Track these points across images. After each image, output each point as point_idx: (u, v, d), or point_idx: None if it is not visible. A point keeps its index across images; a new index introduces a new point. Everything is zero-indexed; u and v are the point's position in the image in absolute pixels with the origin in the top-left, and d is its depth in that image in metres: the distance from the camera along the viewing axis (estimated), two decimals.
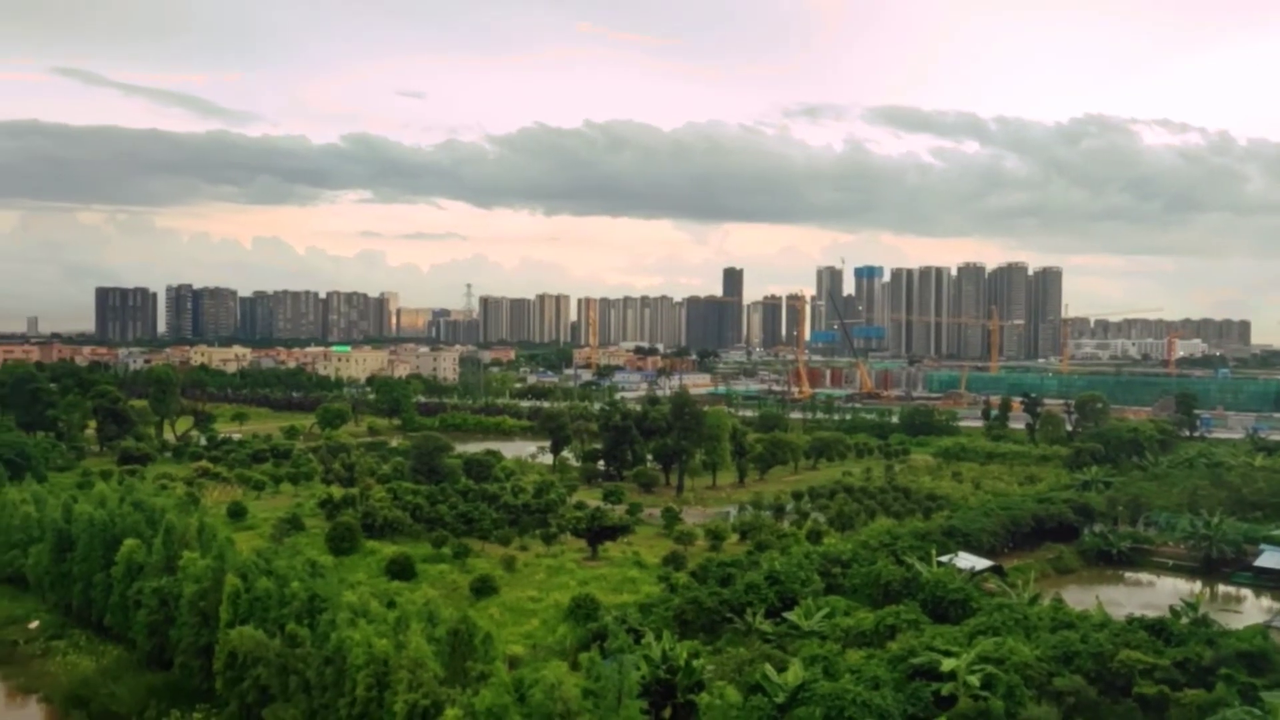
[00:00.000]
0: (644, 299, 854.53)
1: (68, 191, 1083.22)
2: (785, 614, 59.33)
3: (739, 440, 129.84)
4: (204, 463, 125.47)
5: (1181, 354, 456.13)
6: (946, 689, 44.37)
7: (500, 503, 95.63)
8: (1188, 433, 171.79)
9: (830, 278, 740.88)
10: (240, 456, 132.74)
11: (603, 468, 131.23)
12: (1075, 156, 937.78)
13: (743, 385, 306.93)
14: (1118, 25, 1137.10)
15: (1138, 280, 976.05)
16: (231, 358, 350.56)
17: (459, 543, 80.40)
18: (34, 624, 66.18)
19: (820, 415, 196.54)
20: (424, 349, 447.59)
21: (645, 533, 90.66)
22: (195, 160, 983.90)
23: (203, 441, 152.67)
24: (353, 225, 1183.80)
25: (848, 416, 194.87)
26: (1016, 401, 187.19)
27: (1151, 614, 58.33)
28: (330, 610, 45.20)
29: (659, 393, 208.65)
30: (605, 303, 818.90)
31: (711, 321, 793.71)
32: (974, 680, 44.35)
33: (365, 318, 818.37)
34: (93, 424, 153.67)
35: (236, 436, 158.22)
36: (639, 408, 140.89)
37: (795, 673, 44.29)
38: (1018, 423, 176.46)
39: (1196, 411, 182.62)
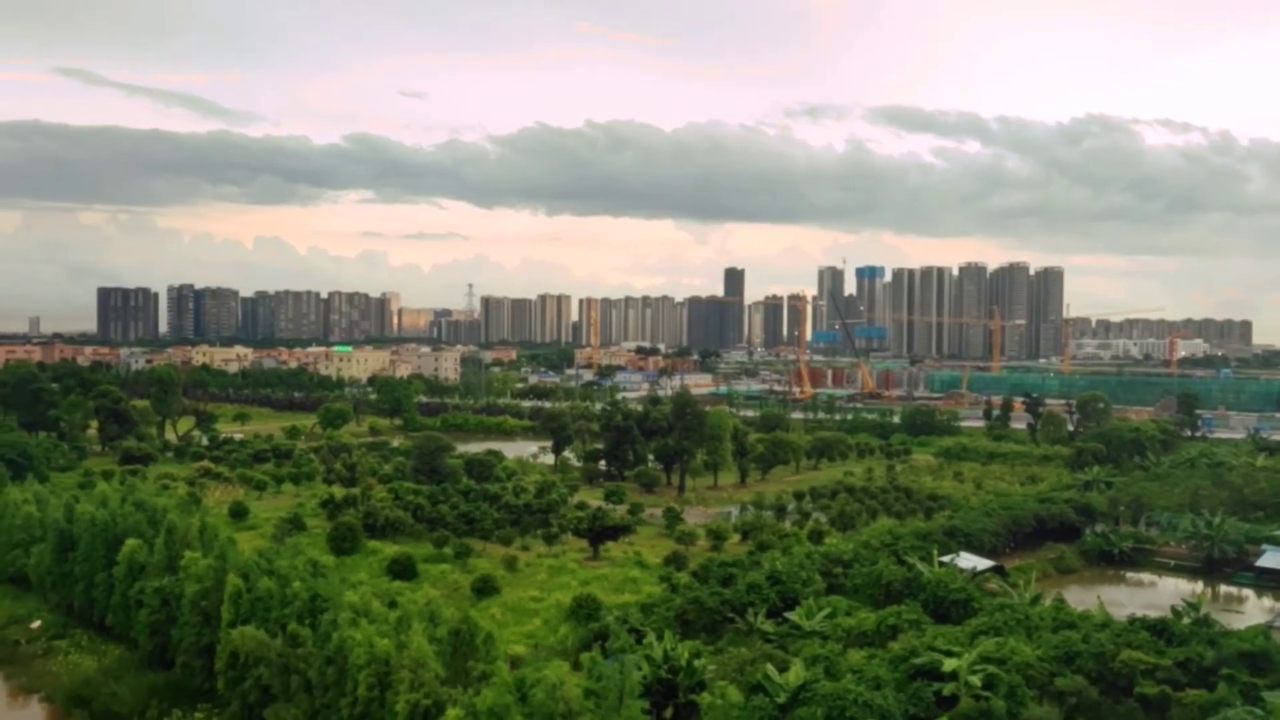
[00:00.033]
0: (645, 299, 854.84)
1: (69, 192, 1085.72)
2: (787, 614, 59.35)
3: (740, 440, 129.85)
4: (206, 463, 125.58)
5: (1183, 354, 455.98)
6: (948, 689, 44.37)
7: (502, 503, 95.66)
8: (1189, 433, 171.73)
9: (832, 278, 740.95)
10: (242, 456, 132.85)
11: (604, 468, 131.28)
12: (1077, 156, 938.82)
13: (744, 385, 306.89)
14: (1119, 25, 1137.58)
15: (1139, 280, 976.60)
16: (233, 358, 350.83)
17: (460, 543, 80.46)
18: (36, 624, 66.24)
19: (822, 415, 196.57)
20: (425, 349, 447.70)
21: (647, 533, 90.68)
22: (197, 160, 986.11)
23: (204, 441, 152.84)
24: (354, 225, 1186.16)
25: (849, 416, 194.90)
26: (1018, 401, 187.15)
27: (1153, 614, 58.31)
28: (332, 610, 45.24)
29: (660, 393, 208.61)
30: (607, 303, 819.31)
31: (713, 321, 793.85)
32: (975, 680, 44.34)
33: (367, 318, 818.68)
34: (94, 424, 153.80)
35: (238, 436, 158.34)
36: (640, 408, 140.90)
37: (797, 673, 44.31)
38: (1019, 423, 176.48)
39: (1198, 411, 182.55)
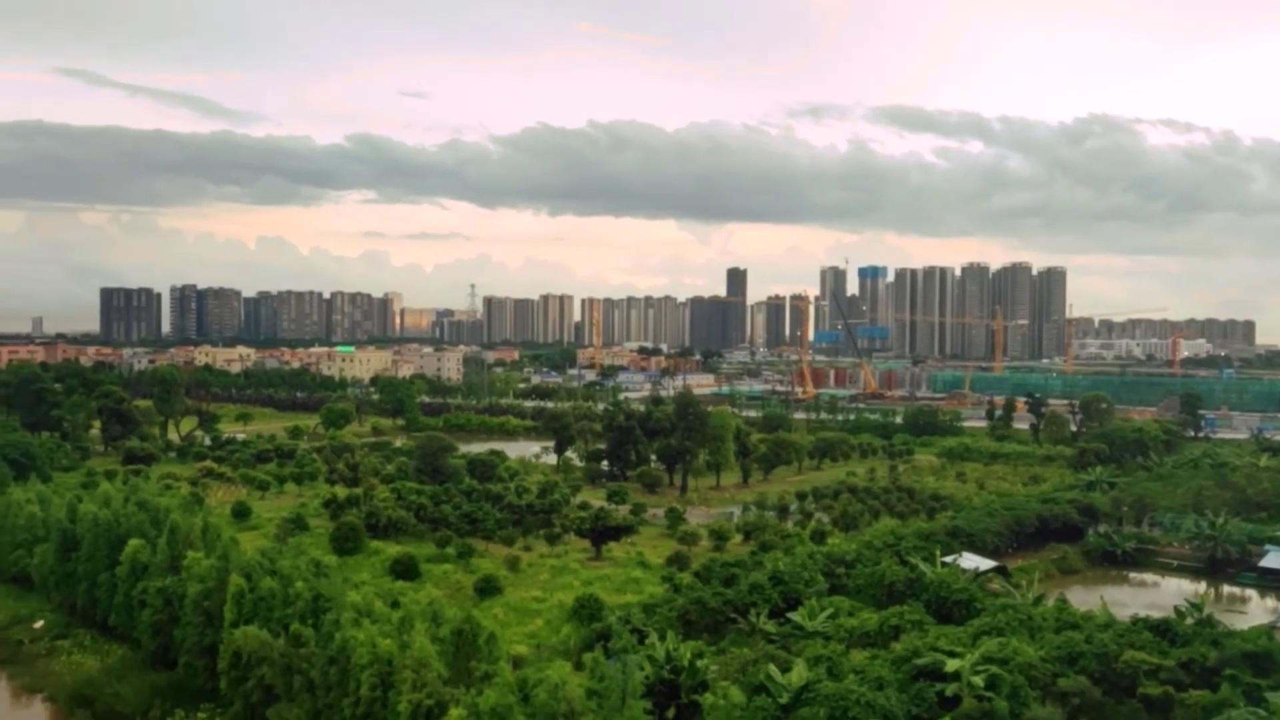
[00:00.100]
0: (648, 299, 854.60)
1: (72, 192, 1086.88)
2: (789, 614, 59.34)
3: (743, 440, 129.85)
4: (208, 463, 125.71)
5: (1186, 354, 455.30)
6: (951, 690, 44.35)
7: (504, 503, 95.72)
8: (1192, 433, 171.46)
9: (834, 278, 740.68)
10: (244, 456, 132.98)
11: (606, 468, 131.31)
12: (1079, 156, 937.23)
13: (746, 385, 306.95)
14: (1122, 24, 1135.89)
15: (1142, 280, 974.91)
16: (236, 358, 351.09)
17: (463, 543, 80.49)
18: (39, 624, 66.35)
19: (824, 415, 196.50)
20: (428, 349, 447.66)
21: (649, 533, 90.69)
22: (199, 160, 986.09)
23: (207, 441, 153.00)
24: (357, 225, 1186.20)
25: (851, 417, 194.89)
26: (1021, 402, 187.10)
27: (1156, 615, 58.27)
28: (334, 610, 45.28)
29: (663, 393, 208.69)
30: (609, 303, 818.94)
31: (715, 322, 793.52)
32: (978, 681, 44.31)
33: (369, 318, 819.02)
34: (97, 424, 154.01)
35: (241, 436, 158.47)
36: (643, 408, 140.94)
37: (799, 673, 44.30)
38: (1022, 423, 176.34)
39: (1201, 412, 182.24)
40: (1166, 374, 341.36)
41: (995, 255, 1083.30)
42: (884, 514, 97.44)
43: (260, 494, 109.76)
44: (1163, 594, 77.30)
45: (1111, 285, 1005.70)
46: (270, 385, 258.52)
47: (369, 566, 76.04)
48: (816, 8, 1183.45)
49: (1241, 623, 62.03)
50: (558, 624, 61.56)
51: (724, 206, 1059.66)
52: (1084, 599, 69.20)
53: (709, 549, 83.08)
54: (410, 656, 37.86)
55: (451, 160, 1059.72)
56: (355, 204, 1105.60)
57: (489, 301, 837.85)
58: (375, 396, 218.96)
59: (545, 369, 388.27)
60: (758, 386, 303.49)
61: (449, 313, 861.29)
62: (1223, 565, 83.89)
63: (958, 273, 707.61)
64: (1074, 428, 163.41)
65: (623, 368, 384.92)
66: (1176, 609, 60.33)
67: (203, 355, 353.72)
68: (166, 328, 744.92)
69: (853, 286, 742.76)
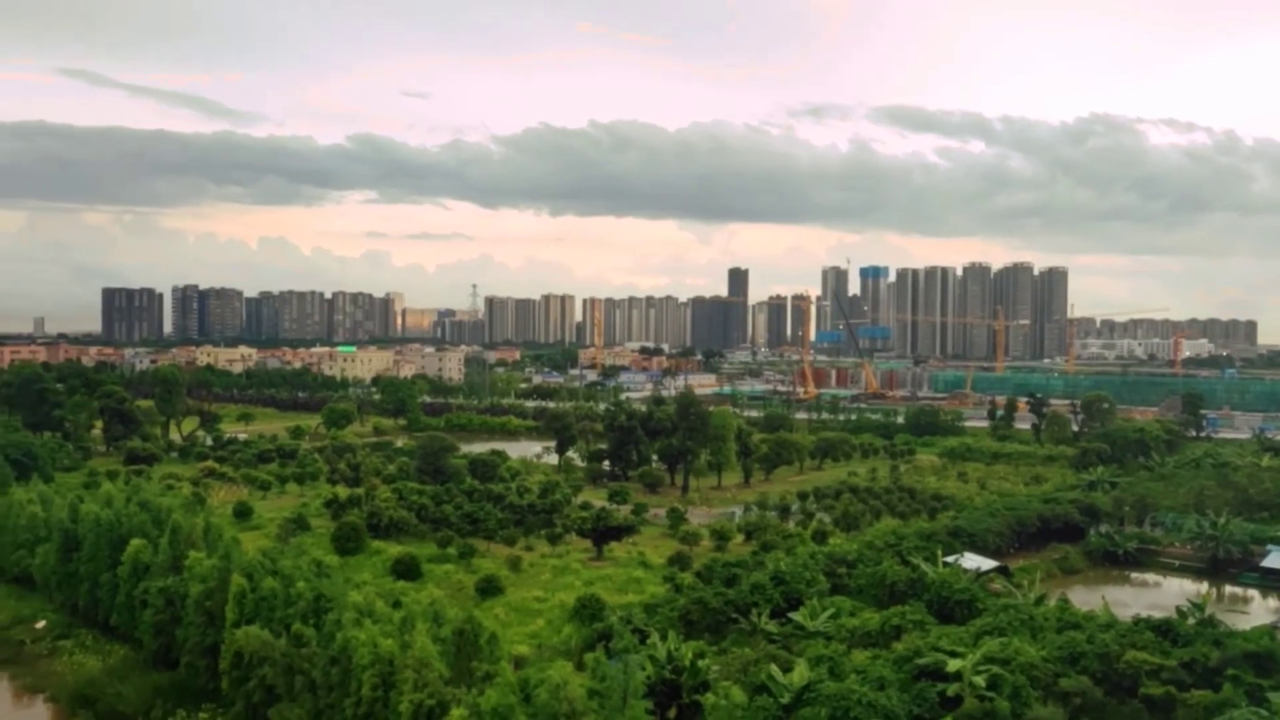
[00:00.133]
0: (649, 299, 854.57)
1: (74, 192, 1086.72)
2: (790, 614, 59.33)
3: (744, 440, 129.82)
4: (210, 463, 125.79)
5: (1187, 354, 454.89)
6: (952, 689, 44.34)
7: (505, 503, 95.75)
8: (1194, 433, 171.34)
9: (835, 278, 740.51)
10: (246, 457, 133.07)
11: (608, 468, 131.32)
12: (1081, 156, 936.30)
13: (748, 385, 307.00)
14: (1124, 24, 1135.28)
15: (1144, 280, 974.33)
16: (237, 358, 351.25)
17: (464, 543, 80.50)
18: (41, 624, 66.41)
19: (825, 415, 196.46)
20: (429, 349, 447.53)
21: (650, 533, 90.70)
22: (201, 161, 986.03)
23: (209, 442, 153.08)
24: (358, 226, 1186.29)
25: (853, 417, 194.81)
26: (1022, 402, 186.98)
27: (1158, 615, 58.24)
28: (336, 610, 45.30)
29: (664, 393, 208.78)
30: (610, 303, 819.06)
31: (716, 322, 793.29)
32: (979, 681, 44.30)
33: (371, 318, 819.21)
34: (99, 424, 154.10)
35: (242, 437, 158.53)
36: (644, 408, 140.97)
37: (800, 673, 44.29)
38: (1023, 423, 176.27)
39: (1203, 411, 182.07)
40: (1168, 374, 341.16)
41: (997, 255, 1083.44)
42: (885, 514, 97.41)
43: (262, 494, 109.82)
44: (1164, 594, 77.28)
45: (1113, 285, 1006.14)
46: (272, 385, 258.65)
47: (370, 566, 76.08)
48: (816, 8, 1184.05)
49: (1243, 623, 61.98)
50: (559, 624, 61.58)
51: (725, 206, 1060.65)
52: (1086, 599, 69.18)
53: (710, 549, 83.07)
54: (412, 656, 37.88)
55: (453, 160, 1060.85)
56: (357, 204, 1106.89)
57: (490, 302, 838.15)
58: (377, 396, 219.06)
59: (547, 369, 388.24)
60: (759, 386, 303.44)
61: (450, 313, 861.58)
62: (1225, 565, 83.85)
63: (959, 273, 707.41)
64: (1075, 428, 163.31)
65: (624, 368, 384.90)
66: (1178, 609, 60.29)
67: (204, 355, 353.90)
68: (168, 328, 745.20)
69: (854, 286, 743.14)
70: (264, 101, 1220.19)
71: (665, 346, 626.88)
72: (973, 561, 74.19)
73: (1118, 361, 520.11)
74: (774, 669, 45.23)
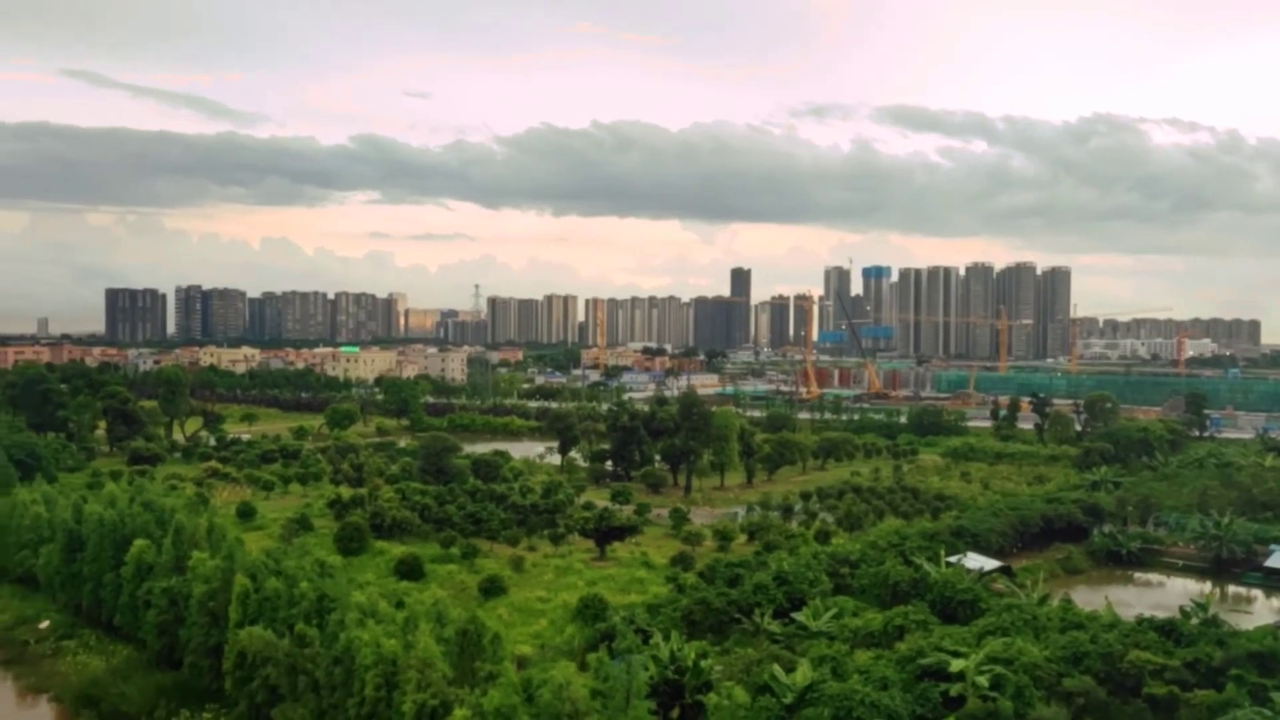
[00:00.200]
0: (651, 299, 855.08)
1: (77, 193, 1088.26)
2: (793, 614, 59.37)
3: (747, 440, 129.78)
4: (213, 463, 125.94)
5: (1191, 354, 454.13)
6: (955, 690, 44.32)
7: (508, 503, 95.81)
8: (1197, 433, 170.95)
9: (838, 278, 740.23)
10: (249, 457, 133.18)
11: (610, 468, 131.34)
12: (1083, 156, 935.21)
13: (750, 385, 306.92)
14: (1126, 23, 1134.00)
15: (1146, 280, 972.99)
16: (240, 358, 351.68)
17: (467, 543, 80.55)
18: (44, 624, 66.52)
19: (828, 415, 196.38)
20: (432, 349, 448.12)
21: (653, 533, 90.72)
22: (204, 161, 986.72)
23: (212, 442, 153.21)
24: (361, 226, 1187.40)
25: (856, 417, 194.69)
26: (1025, 401, 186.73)
27: (1161, 614, 58.20)
28: (339, 610, 45.33)
29: (667, 393, 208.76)
30: (613, 303, 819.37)
31: (719, 322, 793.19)
32: (983, 681, 44.28)
33: (373, 318, 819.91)
34: (103, 425, 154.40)
35: (245, 437, 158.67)
36: (647, 408, 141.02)
37: (803, 673, 44.29)
38: (1026, 423, 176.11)
39: (1206, 411, 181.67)
40: (1171, 374, 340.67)
41: (999, 255, 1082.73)
42: (888, 514, 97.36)
43: (265, 494, 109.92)
44: (1168, 594, 77.22)
45: (1116, 285, 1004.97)
46: (275, 386, 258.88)
47: (374, 567, 76.16)
48: (817, 8, 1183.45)
49: (1247, 623, 61.90)
50: (562, 624, 61.61)
51: (728, 206, 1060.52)
52: (1089, 599, 69.12)
53: (713, 549, 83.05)
54: (415, 657, 37.91)
55: (456, 161, 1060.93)
56: (360, 205, 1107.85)
57: (493, 302, 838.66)
58: (380, 397, 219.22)
59: (549, 369, 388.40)
60: (762, 387, 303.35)
61: (453, 313, 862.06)
62: (1228, 565, 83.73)
63: (962, 272, 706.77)
64: (1079, 427, 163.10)
65: (627, 368, 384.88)
66: (1182, 609, 60.24)
67: (208, 356, 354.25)
68: (171, 328, 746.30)
69: (857, 286, 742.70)
70: (265, 102, 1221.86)
71: (668, 347, 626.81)
72: (976, 561, 74.13)
73: (1121, 361, 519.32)
74: (777, 669, 45.24)
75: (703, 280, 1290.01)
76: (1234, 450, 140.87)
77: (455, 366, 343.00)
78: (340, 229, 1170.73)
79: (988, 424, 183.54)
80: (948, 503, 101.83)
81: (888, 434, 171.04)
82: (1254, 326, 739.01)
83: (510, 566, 75.60)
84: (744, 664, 48.34)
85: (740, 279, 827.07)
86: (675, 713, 45.44)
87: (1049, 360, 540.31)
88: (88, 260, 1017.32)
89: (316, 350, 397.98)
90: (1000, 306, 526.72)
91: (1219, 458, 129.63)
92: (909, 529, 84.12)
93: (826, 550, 75.24)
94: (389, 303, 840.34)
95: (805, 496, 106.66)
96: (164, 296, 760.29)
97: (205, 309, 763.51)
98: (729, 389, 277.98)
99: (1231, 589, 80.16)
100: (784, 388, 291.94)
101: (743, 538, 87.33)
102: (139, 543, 60.61)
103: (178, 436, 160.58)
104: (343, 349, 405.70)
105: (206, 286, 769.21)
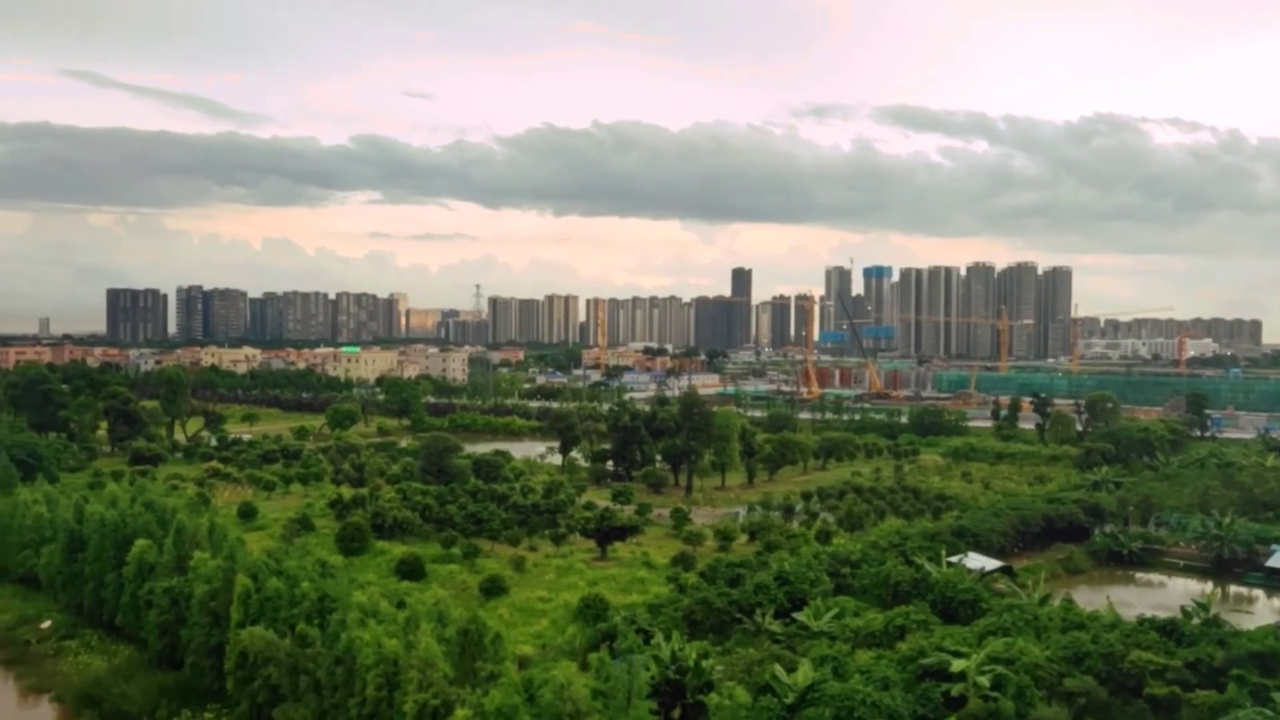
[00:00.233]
0: (652, 299, 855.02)
1: (78, 193, 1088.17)
2: (794, 614, 59.37)
3: (748, 440, 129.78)
4: (214, 463, 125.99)
5: (1192, 354, 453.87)
6: (956, 690, 44.31)
7: (509, 503, 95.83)
8: (1199, 433, 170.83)
9: (839, 278, 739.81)
10: (250, 457, 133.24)
11: (611, 468, 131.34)
12: (1085, 156, 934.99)
13: (751, 385, 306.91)
14: (1128, 23, 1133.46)
15: (1148, 280, 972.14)
16: (241, 359, 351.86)
17: (468, 543, 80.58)
18: (46, 624, 66.57)
19: (829, 415, 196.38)
20: (433, 349, 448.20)
21: (654, 533, 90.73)
22: (205, 162, 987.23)
23: (213, 442, 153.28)
24: (362, 226, 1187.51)
25: (857, 417, 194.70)
26: (1026, 401, 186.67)
27: (1163, 615, 58.18)
28: (340, 610, 45.35)
29: (668, 393, 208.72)
30: (614, 303, 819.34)
31: (720, 322, 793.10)
32: (984, 681, 44.28)
33: (374, 318, 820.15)
34: (104, 425, 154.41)
35: (247, 437, 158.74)
36: (648, 408, 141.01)
37: (805, 673, 44.29)
38: (1027, 423, 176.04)
39: (1207, 411, 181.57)
40: (1172, 374, 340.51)
41: (1000, 255, 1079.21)
42: (889, 514, 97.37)
43: (266, 494, 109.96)
44: (1169, 594, 77.20)
45: (1117, 285, 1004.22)
46: (276, 386, 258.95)
47: (375, 567, 76.19)
48: (817, 8, 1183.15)
49: (1248, 623, 61.88)
50: (563, 624, 61.63)
51: (729, 206, 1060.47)
52: (1090, 599, 69.09)
53: (714, 549, 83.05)
54: (416, 656, 37.94)
55: (456, 161, 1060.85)
56: (360, 205, 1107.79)
57: (494, 302, 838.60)
58: (381, 397, 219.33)
59: (550, 369, 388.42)
60: (763, 386, 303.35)
61: (454, 313, 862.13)
62: (1229, 565, 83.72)
63: (963, 272, 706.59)
64: (1080, 427, 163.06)
65: (628, 368, 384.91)
66: (1183, 609, 60.24)
67: (209, 356, 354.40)
68: (172, 328, 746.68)
69: (858, 286, 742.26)
70: (265, 102, 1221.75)
71: (669, 347, 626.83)
72: (977, 561, 74.11)
73: (1122, 361, 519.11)
74: (778, 669, 45.24)
75: (704, 280, 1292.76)
76: (1235, 450, 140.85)
77: (456, 366, 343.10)
78: (341, 229, 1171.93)
79: (989, 424, 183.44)
80: (949, 503, 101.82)
81: (889, 434, 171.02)
82: (1255, 326, 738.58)
83: (511, 566, 75.62)
84: (745, 664, 48.34)
85: (741, 279, 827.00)
86: (676, 713, 45.45)
87: (1050, 360, 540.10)
88: (89, 260, 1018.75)
89: (318, 350, 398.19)
90: (1001, 306, 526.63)
91: (1220, 458, 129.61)
92: (910, 529, 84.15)
93: (828, 550, 75.25)
94: (390, 303, 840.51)
95: (806, 496, 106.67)
96: (165, 297, 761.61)
97: (206, 309, 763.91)
98: (730, 389, 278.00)
99: (1233, 589, 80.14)
100: (785, 388, 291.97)
101: (744, 538, 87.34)
102: (140, 543, 60.66)
103: (179, 437, 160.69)
104: (344, 349, 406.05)
105: (208, 287, 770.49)
